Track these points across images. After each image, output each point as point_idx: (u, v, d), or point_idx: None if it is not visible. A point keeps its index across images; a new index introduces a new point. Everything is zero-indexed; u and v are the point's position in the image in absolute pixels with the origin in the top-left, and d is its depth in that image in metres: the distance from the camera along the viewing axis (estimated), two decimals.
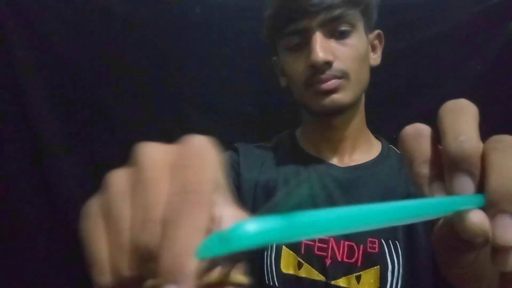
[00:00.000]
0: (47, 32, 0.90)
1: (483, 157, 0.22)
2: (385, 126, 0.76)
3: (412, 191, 0.63)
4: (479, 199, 0.21)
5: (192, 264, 0.16)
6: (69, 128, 0.92)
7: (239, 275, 0.19)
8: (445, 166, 0.22)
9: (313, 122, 0.69)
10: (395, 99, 0.91)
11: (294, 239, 0.16)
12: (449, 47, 0.89)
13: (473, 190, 0.22)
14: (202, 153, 0.20)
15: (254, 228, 0.14)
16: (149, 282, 0.18)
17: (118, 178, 0.20)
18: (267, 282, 0.59)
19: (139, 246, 0.18)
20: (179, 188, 0.18)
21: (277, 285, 0.59)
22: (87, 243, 0.19)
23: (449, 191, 0.22)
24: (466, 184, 0.22)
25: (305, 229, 0.15)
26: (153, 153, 0.20)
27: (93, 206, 0.21)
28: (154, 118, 0.93)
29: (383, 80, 0.84)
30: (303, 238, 0.17)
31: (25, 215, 0.90)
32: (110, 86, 0.93)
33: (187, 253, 0.16)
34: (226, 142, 0.78)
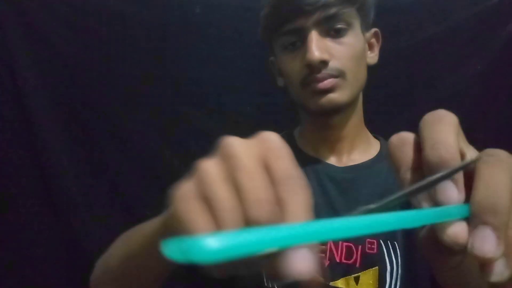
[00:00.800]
0: (47, 32, 0.90)
1: (475, 169, 0.22)
2: (385, 126, 0.76)
3: None
4: (464, 209, 0.21)
5: None
6: (69, 128, 0.92)
7: None
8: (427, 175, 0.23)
9: (311, 121, 0.69)
10: (395, 99, 0.91)
11: (260, 253, 0.16)
12: (449, 47, 0.89)
13: (456, 195, 0.22)
14: (281, 146, 0.23)
15: (215, 245, 0.13)
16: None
17: (212, 166, 0.23)
18: (266, 284, 0.59)
19: (253, 222, 0.21)
20: (282, 175, 0.22)
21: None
22: (186, 223, 0.22)
23: (433, 199, 0.23)
24: (448, 189, 0.22)
25: (269, 244, 0.15)
26: (242, 146, 0.23)
27: (187, 190, 0.23)
28: (154, 118, 0.93)
29: (383, 80, 0.84)
30: (267, 251, 0.17)
31: (25, 215, 0.90)
32: (110, 86, 0.93)
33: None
34: None
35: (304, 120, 0.71)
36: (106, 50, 0.92)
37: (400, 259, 0.57)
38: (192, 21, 0.92)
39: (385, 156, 0.68)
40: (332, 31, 0.60)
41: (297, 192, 0.21)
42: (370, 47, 0.68)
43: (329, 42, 0.60)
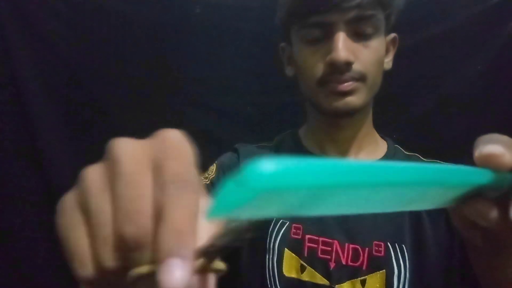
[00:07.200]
0: (47, 32, 0.90)
1: None
2: (385, 126, 0.76)
3: None
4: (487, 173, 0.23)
5: (193, 242, 0.18)
6: (69, 128, 0.92)
7: (219, 263, 0.20)
8: None
9: (320, 120, 0.67)
10: (395, 99, 0.91)
11: (315, 188, 0.14)
12: (449, 47, 0.89)
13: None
14: (180, 145, 0.21)
15: (272, 168, 0.12)
16: (136, 270, 0.19)
17: (93, 173, 0.21)
18: (268, 286, 0.57)
19: (125, 237, 0.19)
20: (168, 178, 0.19)
21: None
22: (64, 237, 0.20)
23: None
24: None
25: (329, 178, 0.14)
26: (129, 148, 0.20)
27: (69, 201, 0.21)
28: (154, 118, 0.93)
29: (383, 80, 0.84)
30: (326, 189, 0.15)
31: (25, 215, 0.90)
32: (110, 86, 0.93)
33: (188, 231, 0.18)
34: (226, 142, 0.78)
35: (311, 117, 0.69)
36: (106, 50, 0.92)
37: (409, 263, 0.56)
38: (192, 21, 0.92)
39: (393, 157, 0.67)
40: (360, 33, 0.58)
41: (183, 197, 0.19)
42: (387, 52, 0.66)
43: (355, 44, 0.57)
